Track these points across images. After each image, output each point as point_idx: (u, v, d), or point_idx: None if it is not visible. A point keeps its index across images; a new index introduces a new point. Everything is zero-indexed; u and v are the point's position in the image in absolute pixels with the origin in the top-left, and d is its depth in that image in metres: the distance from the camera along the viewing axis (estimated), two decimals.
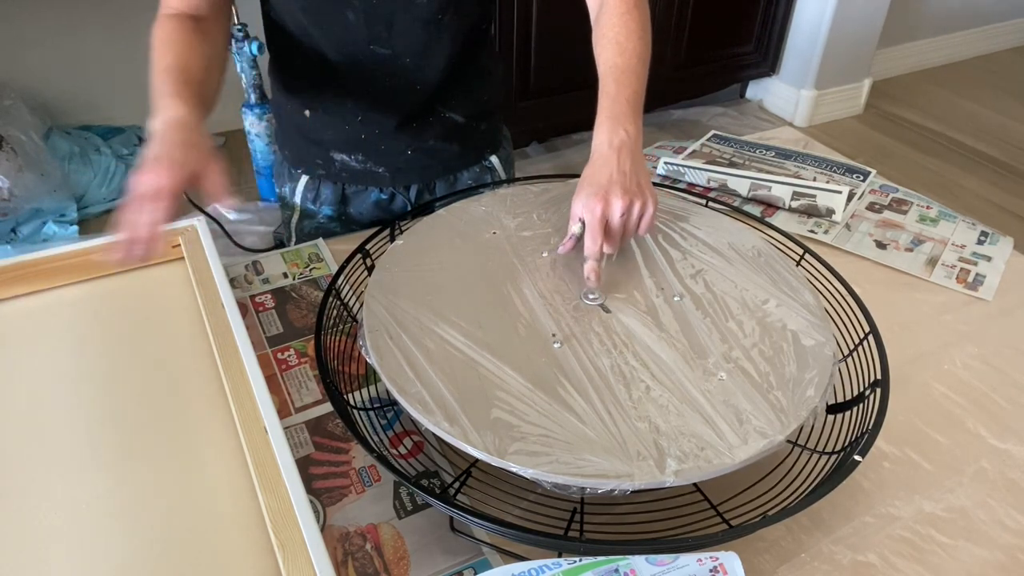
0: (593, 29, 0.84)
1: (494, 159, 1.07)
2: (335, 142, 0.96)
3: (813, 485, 0.58)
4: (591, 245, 0.72)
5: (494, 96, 1.03)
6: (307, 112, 0.95)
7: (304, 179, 1.01)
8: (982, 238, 1.00)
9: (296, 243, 1.03)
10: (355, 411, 0.66)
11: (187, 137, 0.68)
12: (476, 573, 0.59)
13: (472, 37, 0.93)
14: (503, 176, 1.08)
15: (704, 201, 0.90)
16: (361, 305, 0.71)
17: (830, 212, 1.01)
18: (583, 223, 0.73)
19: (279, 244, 1.14)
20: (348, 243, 0.89)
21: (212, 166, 0.67)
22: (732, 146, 1.19)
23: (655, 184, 0.93)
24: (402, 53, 0.89)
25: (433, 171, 1.01)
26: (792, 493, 0.59)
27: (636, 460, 0.56)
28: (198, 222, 0.87)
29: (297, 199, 1.02)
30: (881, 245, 0.98)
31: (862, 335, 0.71)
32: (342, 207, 1.02)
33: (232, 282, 0.87)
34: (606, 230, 0.72)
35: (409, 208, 1.02)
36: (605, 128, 0.76)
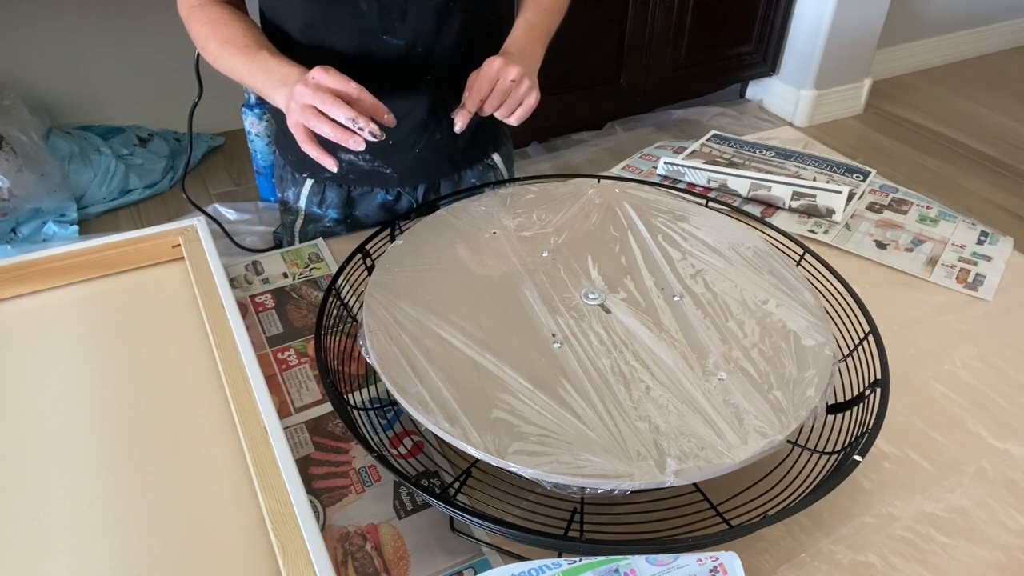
0: None
1: (496, 157, 1.07)
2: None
3: (813, 485, 0.58)
4: (472, 96, 0.80)
5: None
6: None
7: (309, 183, 1.01)
8: (982, 238, 1.00)
9: None
10: (355, 411, 0.66)
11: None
12: (476, 573, 0.59)
13: (481, 27, 0.95)
14: (505, 174, 1.09)
15: (704, 201, 0.90)
16: (361, 305, 0.71)
17: (830, 212, 1.01)
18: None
19: (279, 244, 1.14)
20: (348, 243, 0.89)
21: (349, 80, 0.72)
22: (732, 146, 1.19)
23: (657, 184, 0.93)
24: (414, 43, 0.89)
25: (439, 170, 1.02)
26: (792, 493, 0.59)
27: (636, 460, 0.56)
28: (198, 222, 0.87)
29: (302, 203, 1.02)
30: (881, 245, 0.98)
31: (862, 335, 0.71)
32: (348, 210, 1.02)
33: (232, 282, 0.87)
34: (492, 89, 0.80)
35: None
36: (522, 27, 0.89)
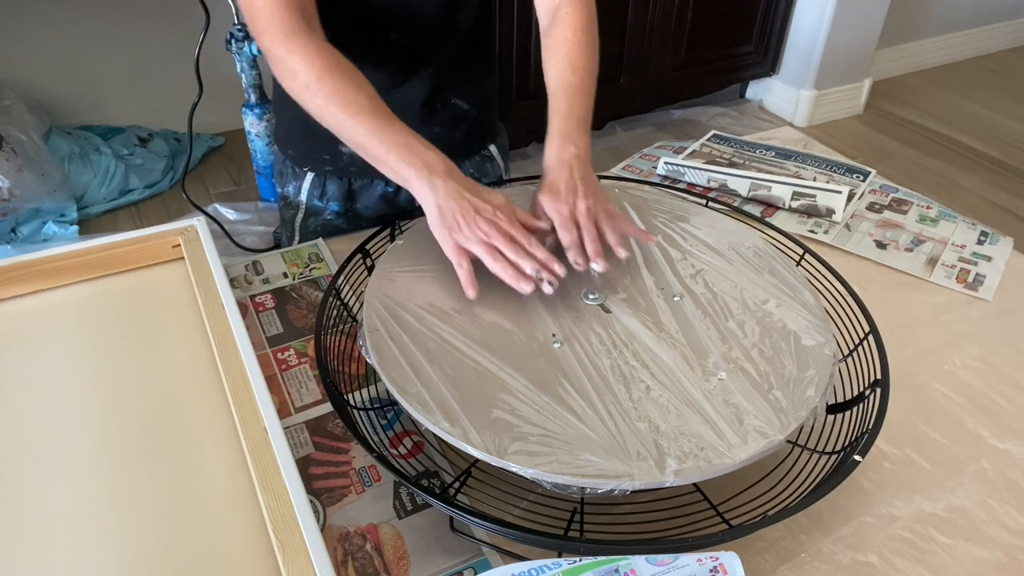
0: (543, 40, 0.89)
1: (493, 148, 1.08)
2: None
3: (813, 485, 0.58)
4: (568, 235, 0.74)
5: (493, 85, 1.06)
6: None
7: (310, 177, 1.01)
8: (982, 238, 1.00)
9: (300, 242, 1.03)
10: (355, 411, 0.66)
11: (470, 180, 0.73)
12: (476, 573, 0.59)
13: (482, 20, 0.96)
14: (501, 164, 1.10)
15: (704, 201, 0.90)
16: (361, 305, 0.71)
17: (830, 212, 1.01)
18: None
19: (279, 244, 1.14)
20: (348, 243, 0.89)
21: (511, 201, 0.73)
22: (732, 146, 1.19)
23: (657, 184, 0.93)
24: (418, 39, 0.90)
25: None
26: (792, 493, 0.59)
27: (636, 460, 0.56)
28: (198, 222, 0.87)
29: (303, 197, 1.02)
30: (881, 245, 0.98)
31: (862, 335, 0.71)
32: (349, 203, 1.02)
33: (232, 282, 0.87)
34: (578, 227, 0.75)
35: (415, 201, 1.03)
36: (556, 144, 0.80)
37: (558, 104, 0.83)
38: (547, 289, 0.69)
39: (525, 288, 0.68)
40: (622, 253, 0.74)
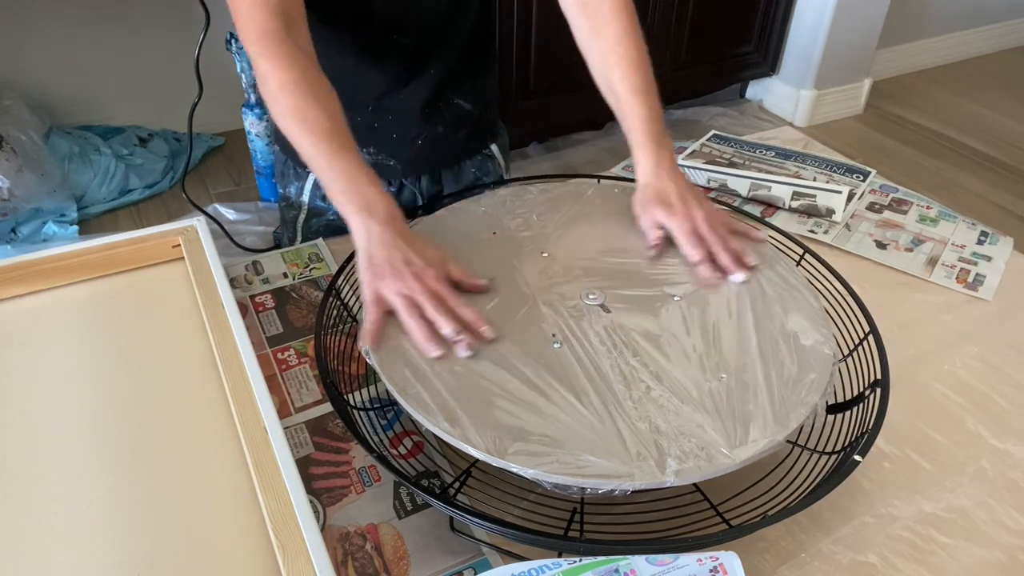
0: (590, 41, 0.85)
1: (494, 147, 1.09)
2: None
3: (813, 485, 0.58)
4: (698, 251, 0.74)
5: (494, 85, 1.06)
6: None
7: (312, 177, 1.01)
8: (982, 238, 1.00)
9: (302, 242, 1.03)
10: (355, 411, 0.66)
11: (410, 231, 0.71)
12: (476, 573, 0.59)
13: (482, 20, 0.96)
14: (502, 163, 1.10)
15: None
16: (361, 305, 0.71)
17: (830, 212, 1.01)
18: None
19: (279, 244, 1.14)
20: (348, 243, 0.89)
21: (448, 256, 0.71)
22: (732, 146, 1.19)
23: None
24: (421, 40, 0.90)
25: (441, 160, 1.03)
26: (792, 493, 0.59)
27: (636, 460, 0.56)
28: (198, 222, 0.87)
29: (305, 198, 1.02)
30: (881, 245, 0.98)
31: (862, 335, 0.71)
32: None
33: (232, 282, 0.87)
34: (700, 239, 0.74)
35: (417, 200, 1.04)
36: (651, 151, 0.79)
37: (635, 107, 0.80)
38: (462, 353, 0.63)
39: (431, 351, 0.63)
40: (752, 261, 0.74)
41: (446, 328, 0.64)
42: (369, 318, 0.66)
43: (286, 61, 0.72)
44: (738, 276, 0.73)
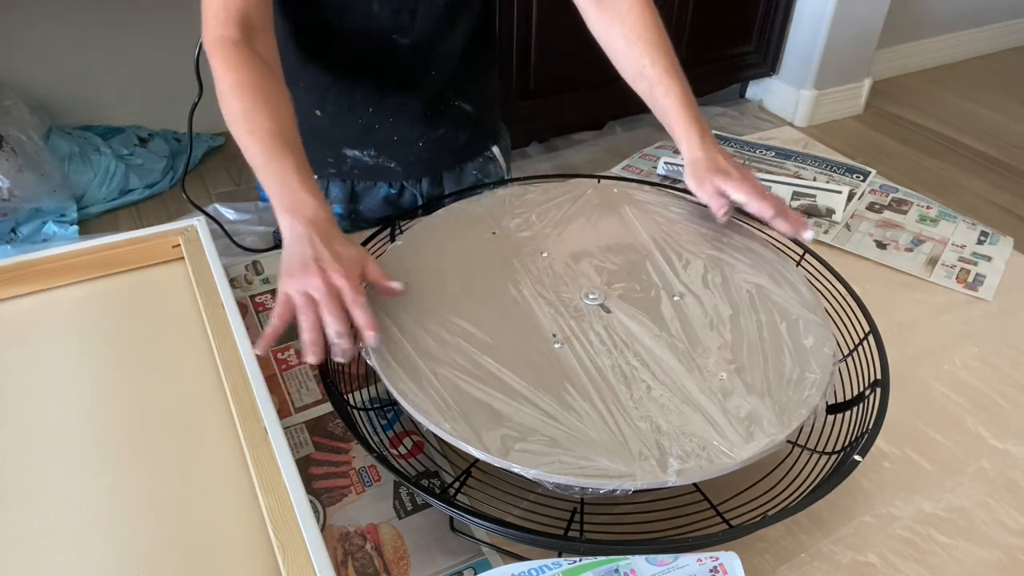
0: (611, 31, 0.86)
1: (495, 149, 1.09)
2: (347, 138, 0.97)
3: (813, 485, 0.58)
4: (769, 207, 0.75)
5: (495, 86, 1.06)
6: (318, 111, 0.95)
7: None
8: (982, 238, 1.00)
9: None
10: (355, 411, 0.66)
11: (338, 232, 0.67)
12: (476, 573, 0.59)
13: (483, 22, 0.96)
14: (503, 165, 1.10)
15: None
16: None
17: (830, 212, 1.01)
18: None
19: (279, 244, 1.13)
20: None
21: (368, 257, 0.68)
22: (732, 146, 1.19)
23: (657, 184, 0.93)
24: (421, 41, 0.90)
25: (442, 162, 1.02)
26: (792, 493, 0.59)
27: (638, 460, 0.56)
28: (198, 222, 0.87)
29: None
30: (881, 245, 0.98)
31: (862, 335, 0.71)
32: (352, 205, 1.02)
33: (232, 282, 0.87)
34: (766, 196, 0.76)
35: (418, 202, 1.03)
36: (694, 126, 0.82)
37: (672, 88, 0.85)
38: (336, 358, 0.62)
39: (310, 359, 0.61)
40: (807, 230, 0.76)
41: (330, 328, 0.61)
42: (272, 321, 0.63)
43: (240, 61, 0.72)
44: (808, 233, 0.75)
